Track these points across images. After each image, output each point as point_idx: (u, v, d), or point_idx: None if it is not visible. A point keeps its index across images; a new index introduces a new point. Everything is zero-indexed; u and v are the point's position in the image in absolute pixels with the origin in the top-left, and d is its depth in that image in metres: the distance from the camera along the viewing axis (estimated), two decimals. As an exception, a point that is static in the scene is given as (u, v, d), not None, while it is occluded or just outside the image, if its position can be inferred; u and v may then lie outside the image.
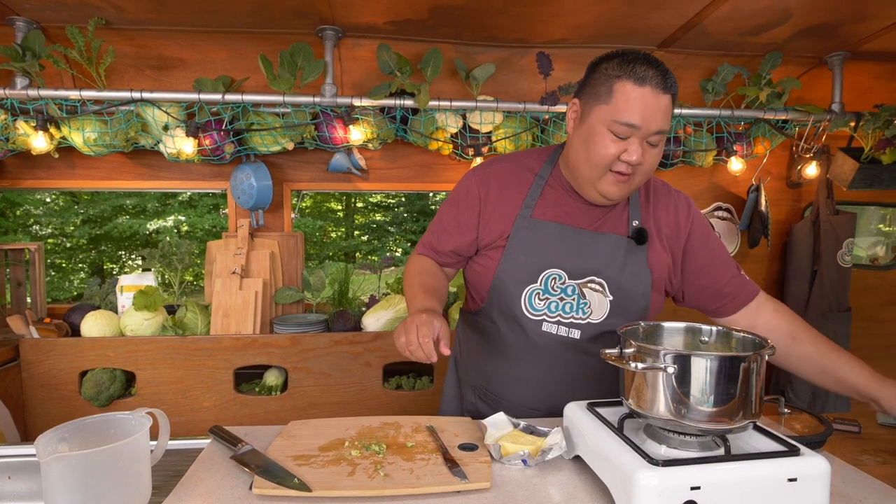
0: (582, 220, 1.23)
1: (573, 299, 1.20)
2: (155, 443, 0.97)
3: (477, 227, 1.27)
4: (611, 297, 1.20)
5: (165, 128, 2.09)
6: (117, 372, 2.11)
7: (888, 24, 1.99)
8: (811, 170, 2.48)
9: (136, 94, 1.99)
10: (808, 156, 2.49)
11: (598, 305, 1.20)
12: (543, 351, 1.22)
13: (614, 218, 1.24)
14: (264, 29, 2.04)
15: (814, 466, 0.80)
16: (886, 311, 2.78)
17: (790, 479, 0.79)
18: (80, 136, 2.04)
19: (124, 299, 2.24)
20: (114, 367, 2.09)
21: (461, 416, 1.38)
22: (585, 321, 1.21)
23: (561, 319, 1.21)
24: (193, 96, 2.02)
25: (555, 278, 1.20)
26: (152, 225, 10.03)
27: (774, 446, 0.86)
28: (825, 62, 2.30)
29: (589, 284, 1.20)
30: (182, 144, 2.06)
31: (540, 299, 1.20)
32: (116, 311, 2.25)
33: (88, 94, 1.98)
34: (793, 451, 0.83)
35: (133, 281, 2.26)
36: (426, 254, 1.36)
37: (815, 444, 1.10)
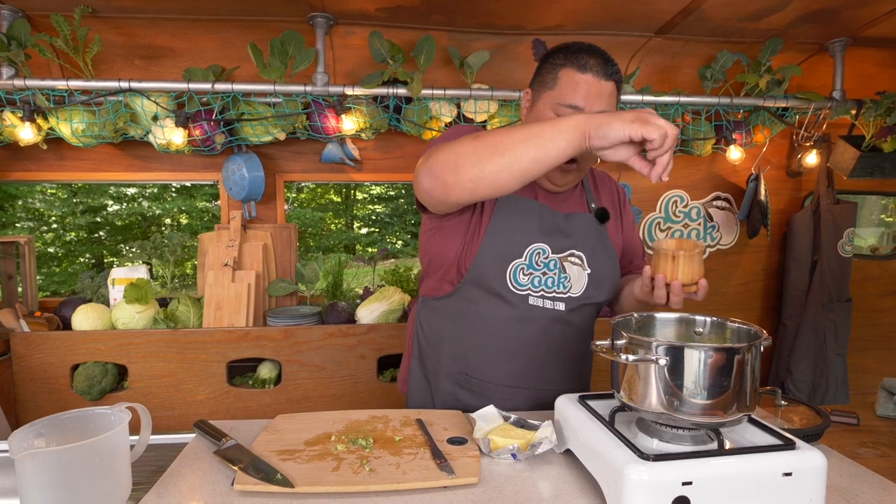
0: (549, 202, 1.28)
1: (555, 273, 1.22)
2: (136, 438, 0.95)
3: None
4: (589, 271, 1.25)
5: (155, 118, 2.06)
6: (109, 365, 2.09)
7: (890, 8, 1.95)
8: (811, 158, 2.45)
9: (125, 84, 1.95)
10: (808, 144, 2.46)
11: (577, 279, 1.24)
12: (532, 323, 1.23)
13: (575, 201, 1.31)
14: (254, 17, 2.00)
15: (810, 460, 0.78)
16: (887, 302, 2.76)
17: (785, 474, 0.77)
18: (69, 126, 2.01)
19: (116, 292, 2.22)
20: (105, 360, 2.07)
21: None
22: (566, 295, 1.24)
23: (545, 293, 1.22)
24: (183, 86, 1.98)
25: (539, 252, 1.21)
26: (151, 210, 9.99)
27: (769, 440, 0.84)
28: (826, 49, 2.26)
29: (570, 258, 1.24)
30: (172, 135, 2.03)
31: (524, 274, 1.21)
32: (108, 305, 2.23)
33: (76, 83, 1.94)
34: (788, 445, 0.81)
35: (125, 274, 2.23)
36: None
37: (813, 436, 1.08)
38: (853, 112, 2.28)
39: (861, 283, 2.66)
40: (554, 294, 1.23)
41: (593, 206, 1.32)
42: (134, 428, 0.90)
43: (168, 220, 10.55)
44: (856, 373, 2.56)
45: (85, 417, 0.90)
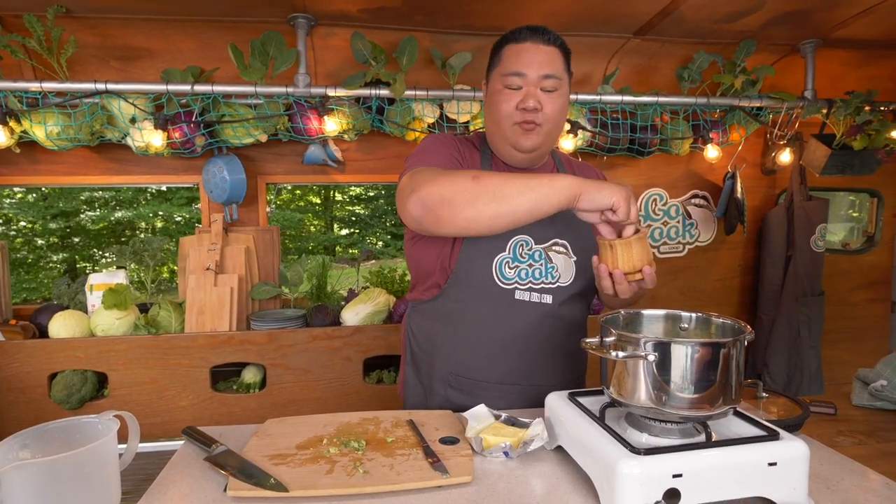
0: None
1: (541, 264, 1.23)
2: (124, 446, 0.94)
3: None
4: (575, 258, 1.26)
5: (133, 120, 2.02)
6: (88, 373, 2.04)
7: (858, 11, 2.02)
8: (785, 156, 2.51)
9: (101, 86, 1.91)
10: (781, 143, 2.52)
11: (565, 268, 1.25)
12: (521, 319, 1.23)
13: None
14: (234, 17, 1.97)
15: (793, 450, 0.81)
16: (858, 295, 2.85)
17: (770, 464, 0.79)
18: (43, 129, 1.96)
19: (94, 298, 2.17)
20: (85, 368, 2.02)
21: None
22: (555, 285, 1.24)
23: (532, 286, 1.23)
24: (161, 87, 1.95)
25: (522, 244, 1.22)
26: (125, 215, 9.79)
27: (754, 431, 0.87)
28: (798, 49, 2.32)
29: (553, 247, 1.25)
30: (150, 137, 2.00)
31: (510, 267, 1.22)
32: (86, 311, 2.18)
33: (50, 85, 1.89)
34: (772, 436, 0.83)
35: (103, 279, 2.18)
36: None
37: (793, 427, 1.11)
38: (824, 111, 2.35)
39: (833, 277, 2.74)
40: (542, 285, 1.23)
41: None
42: (118, 436, 0.88)
43: (143, 225, 10.36)
44: (829, 364, 2.64)
45: (71, 427, 0.89)
